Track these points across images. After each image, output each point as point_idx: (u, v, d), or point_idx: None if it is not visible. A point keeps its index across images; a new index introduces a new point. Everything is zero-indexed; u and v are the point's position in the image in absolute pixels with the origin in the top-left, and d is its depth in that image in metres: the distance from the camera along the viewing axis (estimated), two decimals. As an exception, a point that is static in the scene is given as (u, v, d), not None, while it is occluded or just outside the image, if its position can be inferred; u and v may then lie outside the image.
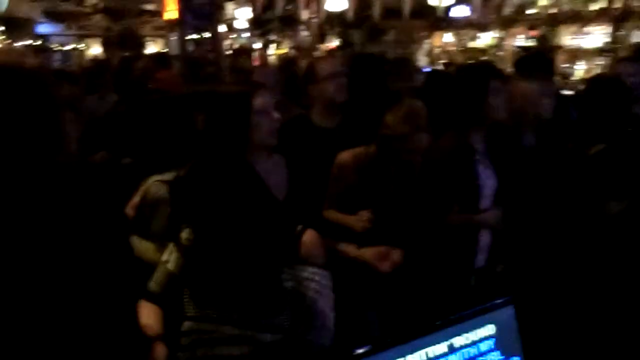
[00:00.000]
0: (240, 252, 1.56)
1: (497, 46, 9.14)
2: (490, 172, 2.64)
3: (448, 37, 10.29)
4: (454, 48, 10.12)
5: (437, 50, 10.51)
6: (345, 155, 2.52)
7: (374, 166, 2.47)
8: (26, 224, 1.52)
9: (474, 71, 2.78)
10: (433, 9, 8.91)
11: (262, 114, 2.18)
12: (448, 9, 9.10)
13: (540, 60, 3.62)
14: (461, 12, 9.37)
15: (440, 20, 9.73)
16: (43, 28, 16.00)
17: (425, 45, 10.65)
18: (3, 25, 12.70)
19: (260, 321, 1.62)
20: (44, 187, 1.57)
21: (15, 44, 14.00)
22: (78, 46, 17.17)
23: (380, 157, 2.47)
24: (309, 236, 1.75)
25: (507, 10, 8.82)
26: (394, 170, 2.48)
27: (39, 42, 15.55)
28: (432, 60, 10.42)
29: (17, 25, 13.74)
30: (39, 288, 1.52)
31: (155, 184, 2.29)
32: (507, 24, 9.02)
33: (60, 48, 16.69)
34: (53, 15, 15.89)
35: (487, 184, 2.62)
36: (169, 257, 1.81)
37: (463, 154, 2.59)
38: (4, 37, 13.27)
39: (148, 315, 1.79)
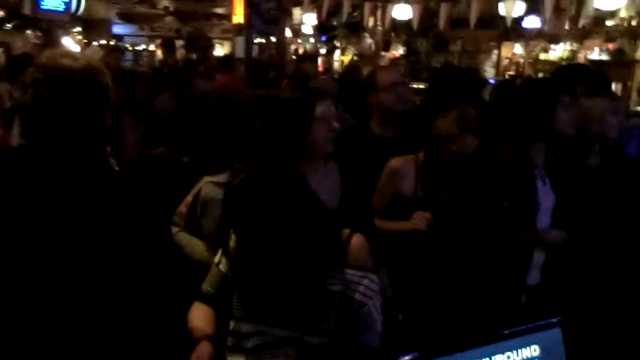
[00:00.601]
0: (287, 259, 1.58)
1: (571, 59, 8.81)
2: (549, 188, 2.57)
3: (517, 48, 10.04)
4: (523, 59, 9.87)
5: (505, 61, 10.27)
6: (394, 162, 2.55)
7: (423, 172, 2.48)
8: (83, 219, 1.58)
9: (544, 83, 2.73)
10: (502, 19, 8.69)
11: (321, 122, 2.21)
12: (519, 19, 8.86)
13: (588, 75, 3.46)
14: (532, 23, 9.11)
15: (510, 31, 9.49)
16: (117, 29, 16.73)
17: (493, 55, 10.43)
18: (81, 25, 13.27)
19: (307, 324, 1.64)
20: (97, 185, 1.64)
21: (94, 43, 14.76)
22: (148, 47, 17.89)
23: (429, 160, 2.46)
24: (356, 240, 1.76)
25: (583, 22, 8.50)
26: (442, 175, 2.49)
27: (112, 42, 16.30)
28: (500, 71, 10.20)
29: (94, 25, 14.39)
30: (97, 280, 1.58)
31: (207, 185, 2.33)
32: (583, 36, 8.70)
33: (132, 48, 17.47)
34: (127, 17, 16.60)
35: (545, 200, 2.55)
36: (221, 259, 1.84)
37: (523, 167, 2.52)
38: (80, 37, 13.95)
39: (200, 316, 1.81)
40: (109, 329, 1.61)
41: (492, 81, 8.13)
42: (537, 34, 9.41)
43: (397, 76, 3.06)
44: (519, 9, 8.52)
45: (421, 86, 7.30)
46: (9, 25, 9.30)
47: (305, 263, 1.60)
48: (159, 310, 1.71)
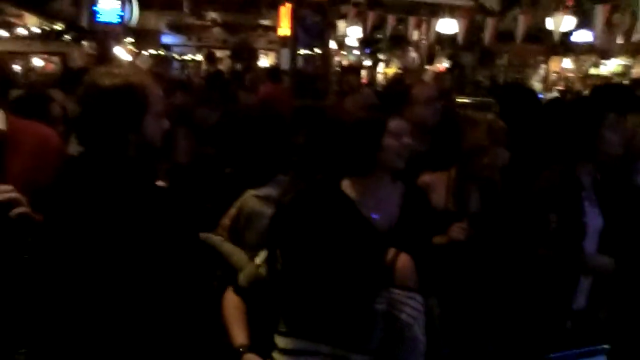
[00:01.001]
0: (333, 279, 1.62)
1: (624, 74, 8.60)
2: (597, 210, 2.52)
3: (566, 63, 9.86)
4: (573, 74, 9.68)
5: (553, 76, 10.10)
6: (425, 177, 2.56)
7: (454, 185, 2.49)
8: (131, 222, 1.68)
9: (589, 102, 2.69)
10: (550, 33, 8.56)
11: (393, 136, 2.20)
12: (568, 33, 8.70)
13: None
14: (583, 37, 8.94)
15: (559, 45, 9.33)
16: (166, 39, 17.22)
17: (541, 70, 10.26)
18: (133, 36, 13.71)
19: (352, 341, 1.66)
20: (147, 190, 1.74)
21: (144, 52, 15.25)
22: (195, 57, 18.31)
23: (461, 173, 2.47)
24: (402, 260, 1.78)
25: (637, 37, 8.29)
26: (474, 188, 2.50)
27: (161, 52, 16.78)
28: (548, 86, 10.03)
29: (144, 36, 14.92)
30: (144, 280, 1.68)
31: (251, 198, 2.39)
32: (636, 50, 8.49)
33: (180, 58, 17.92)
34: (176, 28, 17.02)
35: (592, 222, 2.49)
36: (263, 264, 1.88)
37: (569, 187, 2.48)
38: (131, 46, 14.43)
39: (232, 306, 1.90)
40: (154, 322, 1.72)
41: (540, 96, 8.01)
42: (588, 49, 9.23)
43: (433, 91, 3.09)
44: (569, 23, 8.38)
45: (465, 100, 7.24)
46: (67, 37, 9.68)
47: (352, 283, 1.62)
48: (196, 313, 1.81)
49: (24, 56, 9.97)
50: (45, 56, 10.28)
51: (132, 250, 1.70)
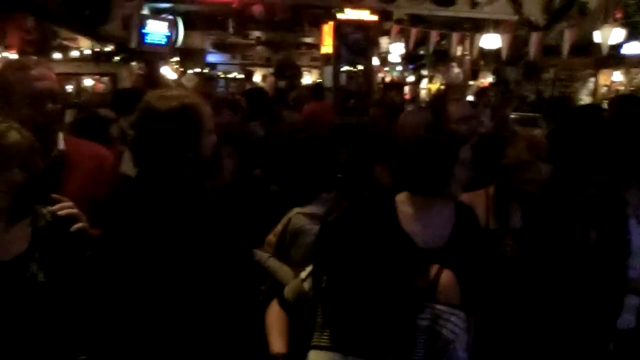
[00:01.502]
0: (377, 296, 1.67)
1: (674, 86, 8.38)
2: None
3: (616, 76, 9.65)
4: (624, 87, 9.46)
5: (603, 89, 9.89)
6: (464, 197, 2.54)
7: (494, 202, 2.50)
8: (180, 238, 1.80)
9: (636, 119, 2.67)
10: (598, 45, 8.41)
11: (461, 166, 2.25)
12: (618, 46, 8.54)
13: None
14: (633, 49, 8.75)
15: (608, 58, 9.16)
16: (211, 57, 17.62)
17: (589, 83, 10.07)
18: (179, 55, 14.03)
19: (395, 356, 1.70)
20: (194, 210, 1.87)
21: (188, 71, 15.60)
22: (238, 75, 18.63)
23: (500, 190, 2.47)
24: (445, 276, 1.81)
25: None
26: (515, 204, 2.49)
27: (206, 70, 17.13)
28: (597, 99, 9.82)
29: (190, 55, 15.20)
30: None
31: (297, 216, 2.47)
32: (687, 62, 8.27)
33: (224, 76, 18.24)
34: (220, 47, 17.35)
35: (637, 240, 2.46)
36: (307, 279, 1.94)
37: (613, 205, 2.46)
38: (177, 65, 14.81)
39: (275, 316, 1.97)
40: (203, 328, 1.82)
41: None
42: (639, 61, 9.02)
43: (468, 109, 3.21)
44: (618, 35, 8.23)
45: (512, 115, 7.17)
46: (117, 58, 10.08)
47: (392, 298, 1.67)
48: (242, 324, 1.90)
49: (76, 77, 10.28)
50: (97, 77, 10.56)
51: (187, 263, 1.80)
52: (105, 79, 10.33)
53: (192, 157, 1.86)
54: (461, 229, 2.27)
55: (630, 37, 8.40)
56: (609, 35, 8.14)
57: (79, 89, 10.61)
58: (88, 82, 10.82)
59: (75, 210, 1.86)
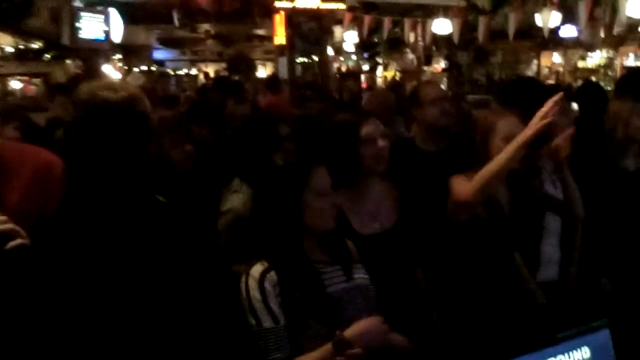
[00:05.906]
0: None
1: (608, 66, 9.68)
2: (559, 190, 2.72)
3: (556, 57, 10.91)
4: (562, 68, 10.74)
5: (545, 71, 11.16)
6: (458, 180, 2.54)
7: None
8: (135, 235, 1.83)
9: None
10: (540, 29, 9.51)
11: (368, 143, 2.37)
12: (555, 29, 9.67)
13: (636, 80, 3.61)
14: (569, 32, 9.94)
15: (548, 41, 10.33)
16: (158, 54, 17.47)
17: (533, 65, 11.32)
18: (121, 52, 13.61)
19: None
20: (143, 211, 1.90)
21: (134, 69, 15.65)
22: (190, 71, 18.91)
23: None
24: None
25: (618, 30, 9.37)
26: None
27: (153, 68, 16.97)
28: (540, 80, 11.06)
29: (134, 51, 14.94)
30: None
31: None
32: (618, 43, 9.57)
33: (174, 73, 18.14)
34: (167, 42, 17.11)
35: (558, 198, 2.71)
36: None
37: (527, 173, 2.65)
38: (121, 63, 14.37)
39: None
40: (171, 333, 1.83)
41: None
42: (575, 43, 10.25)
43: (441, 91, 3.29)
44: (555, 19, 9.22)
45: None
46: (47, 56, 9.52)
47: None
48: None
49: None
50: (26, 78, 9.87)
51: (143, 271, 1.79)
52: (37, 80, 9.69)
53: (143, 153, 1.83)
54: (407, 212, 2.47)
55: (565, 20, 9.55)
56: (548, 18, 9.21)
57: (5, 92, 9.81)
58: (16, 84, 10.03)
59: (10, 225, 1.64)
